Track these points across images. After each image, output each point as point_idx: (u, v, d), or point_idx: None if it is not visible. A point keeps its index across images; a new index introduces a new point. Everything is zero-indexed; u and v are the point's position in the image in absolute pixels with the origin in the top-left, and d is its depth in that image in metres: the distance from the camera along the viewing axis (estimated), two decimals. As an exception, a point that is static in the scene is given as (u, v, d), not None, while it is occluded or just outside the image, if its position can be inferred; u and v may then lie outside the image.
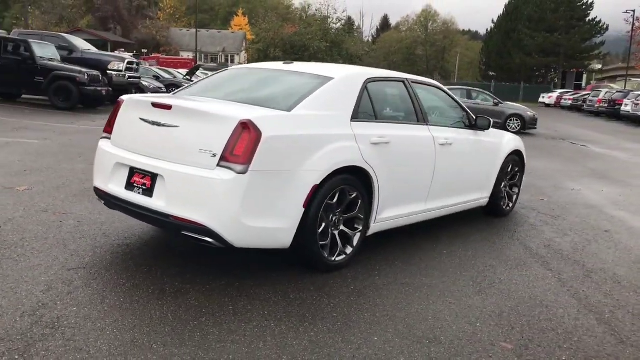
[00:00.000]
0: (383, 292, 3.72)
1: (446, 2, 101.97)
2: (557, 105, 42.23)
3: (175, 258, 4.07)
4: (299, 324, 3.14)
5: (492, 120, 5.58)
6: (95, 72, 14.84)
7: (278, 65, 4.78)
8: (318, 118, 3.87)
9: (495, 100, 19.38)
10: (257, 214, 3.46)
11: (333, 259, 3.98)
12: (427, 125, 4.83)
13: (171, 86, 20.34)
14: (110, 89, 15.45)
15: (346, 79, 4.29)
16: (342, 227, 4.07)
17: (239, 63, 51.69)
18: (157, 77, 22.38)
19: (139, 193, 3.70)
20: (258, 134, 3.41)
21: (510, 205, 6.32)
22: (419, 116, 4.81)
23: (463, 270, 4.29)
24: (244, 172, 3.36)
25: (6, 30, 33.36)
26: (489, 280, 4.13)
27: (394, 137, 4.37)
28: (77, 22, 57.08)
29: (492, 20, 69.08)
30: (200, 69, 27.57)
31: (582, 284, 4.21)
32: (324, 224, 3.87)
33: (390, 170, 4.33)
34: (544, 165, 10.89)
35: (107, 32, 52.77)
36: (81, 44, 17.10)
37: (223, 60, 55.61)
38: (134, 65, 17.19)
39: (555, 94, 44.48)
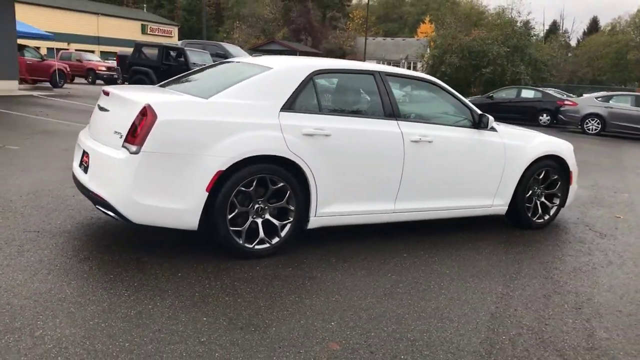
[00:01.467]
0: (274, 282, 3.68)
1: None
2: None
3: (124, 232, 4.44)
4: (149, 298, 3.29)
5: (490, 118, 5.03)
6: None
7: (246, 58, 4.94)
8: (237, 106, 3.96)
9: (672, 109, 16.72)
10: (151, 193, 3.68)
11: (251, 246, 4.03)
12: (396, 120, 4.57)
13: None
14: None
15: (285, 70, 4.29)
16: (267, 216, 4.10)
17: (420, 69, 51.46)
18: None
19: (82, 170, 4.18)
20: (154, 117, 3.65)
21: (546, 217, 5.60)
22: (387, 110, 4.57)
23: (396, 274, 4.01)
24: (136, 153, 3.63)
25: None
26: (415, 286, 3.81)
27: (338, 129, 4.24)
28: (274, 34, 62.08)
29: None
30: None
31: (525, 304, 3.66)
32: (237, 210, 3.95)
33: (332, 163, 4.22)
34: (678, 182, 9.24)
35: (297, 43, 56.52)
36: (236, 52, 18.82)
37: (405, 67, 56.07)
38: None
39: None
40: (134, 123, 3.69)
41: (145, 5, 62.54)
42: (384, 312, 3.36)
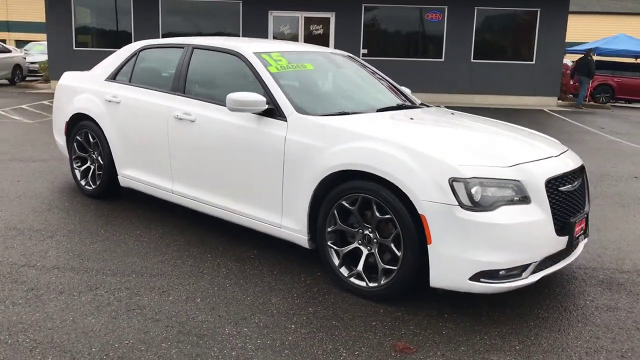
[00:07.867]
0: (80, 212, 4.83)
1: None
2: None
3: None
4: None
5: (236, 97, 3.48)
6: None
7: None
8: (91, 76, 5.10)
9: None
10: (57, 131, 5.48)
11: (83, 184, 5.14)
12: (175, 94, 4.26)
13: None
14: None
15: (126, 46, 4.87)
16: (94, 165, 5.05)
17: None
18: None
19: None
20: (58, 82, 5.47)
21: (372, 285, 3.22)
22: (174, 84, 4.32)
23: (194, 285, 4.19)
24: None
25: None
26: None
27: (125, 98, 4.61)
28: None
29: None
30: None
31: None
32: (77, 153, 5.16)
33: (120, 128, 4.67)
34: None
35: None
36: None
37: None
38: None
39: None
40: (66, 87, 5.62)
41: None
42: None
